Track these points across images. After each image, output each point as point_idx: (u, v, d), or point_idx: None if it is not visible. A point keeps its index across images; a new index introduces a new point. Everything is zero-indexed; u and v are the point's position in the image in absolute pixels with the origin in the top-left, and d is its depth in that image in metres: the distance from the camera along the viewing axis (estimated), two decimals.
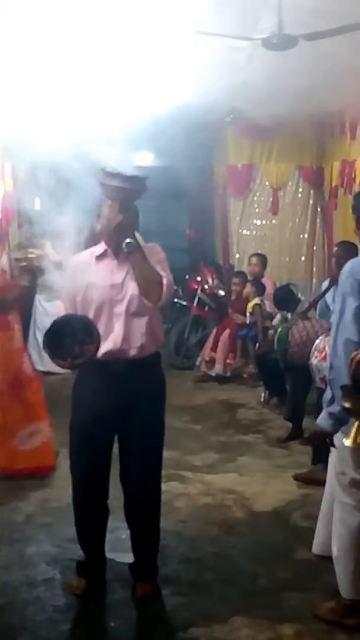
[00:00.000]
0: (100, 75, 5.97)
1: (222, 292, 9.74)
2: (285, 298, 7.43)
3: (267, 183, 10.01)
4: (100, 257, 3.77)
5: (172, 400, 7.77)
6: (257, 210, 10.11)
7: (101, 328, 3.66)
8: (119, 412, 3.73)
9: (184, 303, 10.01)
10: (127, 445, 3.82)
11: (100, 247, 3.79)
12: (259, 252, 9.29)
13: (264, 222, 10.13)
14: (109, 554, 4.05)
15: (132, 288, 3.66)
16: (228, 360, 8.90)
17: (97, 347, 3.59)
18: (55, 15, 5.15)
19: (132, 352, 3.70)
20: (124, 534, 4.18)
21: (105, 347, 3.67)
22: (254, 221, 10.16)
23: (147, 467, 3.86)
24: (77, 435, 3.84)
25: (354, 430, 3.15)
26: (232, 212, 10.21)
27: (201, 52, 5.90)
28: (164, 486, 5.32)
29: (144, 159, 9.81)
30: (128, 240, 3.64)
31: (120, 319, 3.67)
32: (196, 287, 9.86)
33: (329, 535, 3.68)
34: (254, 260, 9.09)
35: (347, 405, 3.11)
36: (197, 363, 9.22)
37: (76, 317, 3.71)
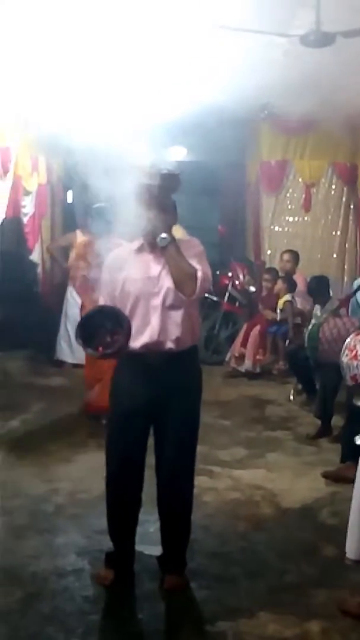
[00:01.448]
0: (137, 71, 6.00)
1: (253, 288, 9.73)
2: (320, 287, 7.43)
3: (300, 180, 9.97)
4: (137, 251, 3.81)
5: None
6: (289, 206, 10.08)
7: (138, 321, 3.70)
8: (154, 405, 3.77)
9: (215, 298, 10.01)
10: (162, 437, 3.86)
11: (138, 242, 3.82)
12: (291, 248, 9.27)
13: (296, 218, 10.10)
14: (137, 547, 4.08)
15: (168, 281, 3.68)
16: (258, 357, 8.90)
17: (128, 336, 3.62)
18: (94, 10, 5.17)
19: (169, 344, 3.72)
20: (152, 526, 4.22)
21: (142, 339, 3.71)
22: (286, 218, 10.14)
23: (180, 461, 3.88)
24: (113, 426, 3.89)
25: None
26: (264, 208, 10.19)
27: (238, 49, 5.91)
28: None
29: (178, 154, 9.82)
30: (163, 235, 3.66)
31: (157, 311, 3.70)
32: (227, 282, 9.86)
33: None
34: (285, 256, 9.07)
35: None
36: (227, 359, 9.22)
37: (106, 307, 3.75)
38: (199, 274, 3.63)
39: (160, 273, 3.71)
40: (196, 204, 11.01)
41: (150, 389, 3.74)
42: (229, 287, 9.81)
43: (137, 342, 3.71)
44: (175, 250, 3.67)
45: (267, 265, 9.84)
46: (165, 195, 3.76)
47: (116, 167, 3.77)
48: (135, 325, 3.71)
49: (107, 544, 4.07)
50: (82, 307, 7.45)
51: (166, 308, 3.70)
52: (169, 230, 3.72)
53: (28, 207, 8.53)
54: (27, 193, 8.41)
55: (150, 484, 3.97)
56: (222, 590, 3.94)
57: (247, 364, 8.86)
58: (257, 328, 8.96)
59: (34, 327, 8.57)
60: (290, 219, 10.13)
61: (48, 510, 4.94)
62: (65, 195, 10.24)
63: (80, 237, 8.07)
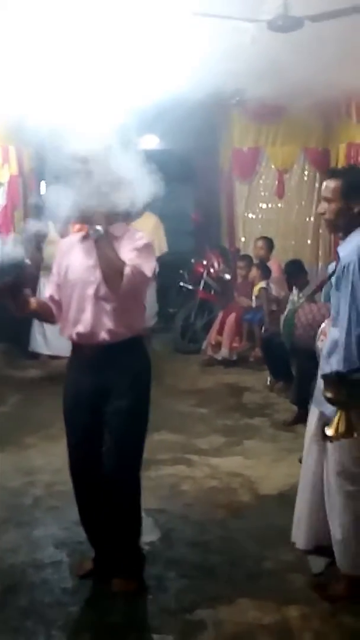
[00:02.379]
0: (104, 58, 5.94)
1: (228, 276, 9.73)
2: (297, 271, 7.45)
3: (272, 166, 9.97)
4: (82, 239, 3.77)
5: (178, 384, 7.93)
6: (262, 193, 10.08)
7: (74, 310, 3.67)
8: (95, 395, 3.70)
9: (190, 287, 10.01)
10: (104, 430, 3.76)
11: (84, 230, 3.78)
12: (265, 235, 9.28)
13: (269, 205, 10.10)
14: None
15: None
16: (234, 344, 8.92)
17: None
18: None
19: (102, 335, 3.64)
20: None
21: (77, 329, 3.68)
22: (260, 204, 10.13)
23: (118, 457, 3.72)
24: (64, 415, 3.87)
25: (336, 419, 3.15)
26: (237, 195, 10.18)
27: (206, 34, 5.88)
28: (170, 469, 5.41)
29: (149, 142, 9.79)
30: (97, 227, 3.57)
31: (91, 301, 3.63)
32: (202, 270, 9.86)
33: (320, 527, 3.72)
34: (259, 243, 9.08)
35: (329, 395, 3.11)
36: (203, 347, 9.22)
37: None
38: (127, 269, 3.51)
39: (97, 263, 3.62)
40: (169, 192, 10.98)
41: (89, 380, 3.71)
42: (204, 275, 9.81)
43: (73, 331, 3.70)
44: (105, 244, 3.57)
45: (242, 253, 9.84)
46: (90, 180, 3.60)
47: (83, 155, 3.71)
48: (72, 314, 3.69)
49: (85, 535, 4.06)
50: None
51: (100, 298, 3.61)
52: (101, 219, 3.61)
53: (0, 198, 8.47)
54: None
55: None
56: (201, 579, 3.94)
57: (224, 352, 8.87)
58: (233, 316, 8.97)
59: (7, 319, 8.52)
60: (264, 205, 10.13)
61: (26, 502, 4.92)
62: (39, 186, 10.17)
63: (51, 227, 8.03)
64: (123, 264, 3.52)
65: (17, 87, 5.67)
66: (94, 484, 3.81)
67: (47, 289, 3.96)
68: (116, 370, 3.68)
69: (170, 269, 10.44)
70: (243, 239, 10.17)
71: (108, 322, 3.63)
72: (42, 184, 10.33)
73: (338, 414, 3.19)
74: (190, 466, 5.55)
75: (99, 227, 3.57)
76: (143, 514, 3.95)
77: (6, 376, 8.15)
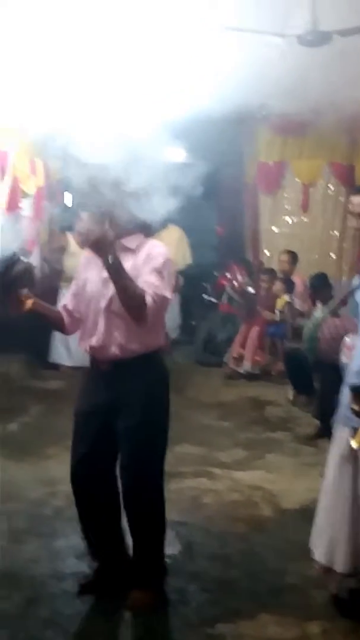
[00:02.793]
0: (132, 72, 5.98)
1: (251, 289, 9.71)
2: (322, 285, 7.42)
3: (297, 180, 9.95)
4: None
5: (200, 397, 7.92)
6: (287, 207, 10.07)
7: (89, 322, 3.67)
8: (107, 410, 3.67)
9: (213, 300, 10.01)
10: (120, 447, 3.74)
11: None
12: (289, 249, 9.26)
13: (294, 219, 10.09)
14: None
15: None
16: (256, 358, 8.90)
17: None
18: (90, 14, 5.17)
19: (113, 350, 3.60)
20: None
21: (90, 342, 3.66)
22: (284, 218, 10.12)
23: (134, 473, 3.71)
24: (74, 427, 3.85)
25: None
26: (262, 208, 10.18)
27: (234, 49, 5.89)
28: (192, 482, 5.40)
29: (175, 155, 9.80)
30: (109, 257, 3.38)
31: (104, 315, 3.60)
32: (225, 283, 9.85)
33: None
34: (283, 257, 9.07)
35: (356, 407, 3.08)
36: (226, 360, 9.21)
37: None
38: (148, 299, 3.41)
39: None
40: (194, 205, 11.01)
41: (101, 394, 3.69)
42: (228, 288, 9.80)
43: (87, 343, 3.68)
44: (117, 274, 3.40)
45: (266, 266, 9.83)
46: (104, 191, 3.55)
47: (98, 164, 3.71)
48: (87, 326, 3.69)
49: None
50: None
51: (112, 313, 3.56)
52: (114, 230, 3.54)
53: (26, 209, 8.52)
54: (26, 196, 8.39)
55: None
56: (222, 593, 3.93)
57: (246, 365, 8.86)
58: (256, 329, 8.96)
59: (30, 330, 8.55)
60: (288, 219, 10.12)
61: (47, 513, 4.92)
62: (64, 197, 10.22)
63: (71, 239, 8.11)
64: (143, 293, 3.42)
65: (45, 102, 5.73)
66: (97, 495, 3.80)
67: (63, 298, 3.95)
68: (128, 386, 3.63)
69: (194, 281, 10.46)
70: (267, 253, 10.16)
71: (119, 337, 3.59)
72: (67, 195, 10.39)
73: None
74: (212, 479, 5.53)
75: (110, 258, 3.37)
76: None
77: (28, 387, 8.18)
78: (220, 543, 4.51)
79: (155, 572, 3.90)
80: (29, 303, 3.62)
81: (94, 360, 3.75)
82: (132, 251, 3.61)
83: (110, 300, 3.56)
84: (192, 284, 10.54)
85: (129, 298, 3.43)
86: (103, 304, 3.60)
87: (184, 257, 10.33)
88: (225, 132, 8.50)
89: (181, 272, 10.36)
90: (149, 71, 6.05)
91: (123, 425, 3.65)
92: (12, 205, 7.96)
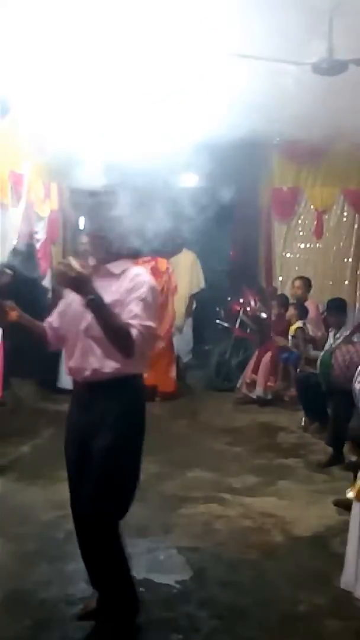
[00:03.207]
0: (148, 98, 6.04)
1: (264, 315, 9.72)
2: (339, 309, 7.37)
3: (312, 206, 9.99)
4: (92, 272, 3.69)
5: (211, 422, 7.91)
6: (301, 233, 10.10)
7: (69, 343, 3.67)
8: (81, 432, 3.64)
9: (226, 325, 10.01)
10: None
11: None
12: (303, 275, 9.27)
13: (308, 245, 10.11)
14: (148, 574, 4.03)
15: None
16: (269, 383, 8.88)
17: None
18: (108, 35, 5.23)
19: (87, 372, 3.57)
20: (162, 554, 4.18)
21: (69, 362, 3.67)
22: (298, 244, 10.15)
23: (91, 498, 3.53)
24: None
25: (359, 482, 2.91)
26: (276, 234, 10.21)
27: (250, 76, 5.94)
28: (203, 508, 5.38)
29: (189, 180, 9.85)
30: (89, 296, 3.32)
31: (81, 337, 3.57)
32: (238, 308, 9.87)
33: None
34: (297, 283, 9.07)
35: (353, 459, 2.90)
36: (238, 385, 9.20)
37: None
38: (134, 332, 3.36)
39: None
40: (208, 230, 11.03)
41: (78, 416, 3.69)
42: (241, 314, 9.81)
43: (67, 364, 3.70)
44: (98, 312, 3.35)
45: (279, 292, 9.84)
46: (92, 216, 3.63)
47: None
48: (68, 347, 3.69)
49: None
50: None
51: (90, 337, 3.52)
52: (103, 252, 3.63)
53: (40, 232, 8.57)
54: (40, 219, 8.44)
55: (154, 512, 3.93)
56: (233, 620, 3.89)
57: (259, 391, 8.84)
58: (269, 354, 8.95)
59: (43, 354, 8.56)
60: (302, 245, 10.15)
61: (58, 536, 4.89)
62: (77, 220, 10.28)
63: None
64: (127, 327, 3.37)
65: (62, 125, 5.79)
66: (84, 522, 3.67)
67: (51, 315, 3.92)
68: (100, 409, 3.57)
69: (207, 306, 10.47)
70: (280, 278, 10.17)
71: (94, 361, 3.55)
72: (81, 219, 10.45)
73: None
74: (223, 505, 5.51)
75: (91, 297, 3.32)
76: (174, 551, 3.92)
77: (41, 409, 8.19)
78: (231, 569, 4.48)
79: (116, 605, 3.71)
80: (13, 315, 3.68)
81: (74, 381, 3.75)
82: (116, 276, 3.60)
83: (90, 325, 3.51)
84: (205, 309, 10.56)
85: (113, 333, 3.39)
86: (83, 326, 3.56)
87: (197, 282, 10.36)
88: (239, 158, 8.54)
89: (194, 296, 10.40)
90: (164, 97, 6.10)
91: (94, 447, 3.57)
92: (27, 229, 8.02)
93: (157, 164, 5.17)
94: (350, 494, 3.09)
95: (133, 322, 3.39)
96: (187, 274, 10.27)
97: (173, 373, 9.31)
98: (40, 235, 8.58)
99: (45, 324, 3.87)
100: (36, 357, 8.47)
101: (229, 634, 3.75)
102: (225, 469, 6.30)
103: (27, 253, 8.57)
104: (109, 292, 3.47)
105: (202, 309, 10.46)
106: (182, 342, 10.50)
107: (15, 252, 7.64)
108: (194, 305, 10.47)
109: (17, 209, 7.46)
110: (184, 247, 10.11)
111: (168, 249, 10.04)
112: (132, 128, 5.64)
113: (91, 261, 3.67)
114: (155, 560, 4.25)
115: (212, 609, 3.99)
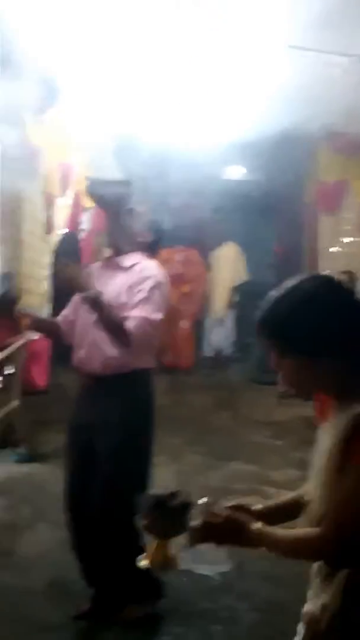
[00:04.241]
0: (196, 90, 6.04)
1: None
2: None
3: (358, 200, 9.88)
4: (102, 264, 3.81)
5: (253, 415, 7.89)
6: (346, 227, 9.99)
7: (79, 334, 3.67)
8: (86, 428, 3.62)
9: None
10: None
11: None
12: (348, 269, 9.18)
13: (353, 239, 10.00)
14: (187, 565, 4.02)
15: (107, 300, 3.52)
16: None
17: None
18: (159, 33, 5.24)
19: (94, 365, 3.58)
20: (204, 546, 4.17)
21: (78, 353, 3.66)
22: (343, 238, 10.05)
23: (101, 496, 3.56)
24: (65, 440, 3.84)
25: (152, 550, 2.36)
26: (321, 228, 10.11)
27: (298, 68, 5.90)
28: (244, 500, 5.34)
29: (235, 173, 9.84)
30: (90, 292, 3.45)
31: (91, 329, 3.57)
32: None
33: None
34: (342, 277, 8.98)
35: (144, 523, 2.19)
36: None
37: None
38: (130, 324, 3.44)
39: (104, 290, 3.53)
40: (253, 224, 11.01)
41: (83, 411, 3.68)
42: None
43: (76, 355, 3.68)
44: (94, 307, 3.46)
45: None
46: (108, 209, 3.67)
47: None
48: (77, 337, 3.68)
49: None
50: None
51: (98, 328, 3.52)
52: (118, 244, 3.70)
53: (85, 223, 8.61)
54: (86, 210, 8.48)
55: None
56: (273, 613, 3.89)
57: None
58: None
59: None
60: (347, 239, 10.04)
61: None
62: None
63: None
64: (121, 321, 3.43)
65: (106, 121, 5.82)
66: (84, 519, 3.67)
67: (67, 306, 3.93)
68: (107, 404, 3.57)
69: (250, 298, 10.42)
70: (325, 272, 10.08)
71: (103, 353, 3.55)
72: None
73: (155, 545, 2.36)
74: (265, 497, 5.47)
75: (86, 294, 3.44)
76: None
77: None
78: (271, 563, 4.46)
79: (126, 592, 3.72)
80: (25, 322, 3.74)
81: (80, 375, 3.73)
82: (124, 269, 3.62)
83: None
84: (248, 301, 10.53)
85: (106, 324, 3.46)
86: (92, 318, 3.55)
87: (239, 274, 10.34)
88: (285, 151, 8.49)
89: (236, 289, 10.38)
90: (215, 91, 6.10)
91: (99, 443, 3.58)
92: (74, 220, 8.07)
93: (203, 156, 5.16)
94: (143, 563, 2.36)
95: (132, 314, 3.45)
96: (229, 266, 10.26)
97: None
98: (85, 226, 8.63)
99: (60, 317, 3.90)
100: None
101: (268, 627, 3.75)
102: (266, 462, 6.29)
103: (71, 243, 8.65)
104: (113, 284, 3.57)
105: (244, 302, 10.44)
106: (223, 335, 10.51)
107: (61, 242, 7.71)
108: (237, 298, 10.47)
109: (64, 199, 7.52)
110: (228, 240, 10.10)
111: (210, 240, 10.06)
112: (180, 120, 5.66)
113: (107, 253, 3.71)
114: (197, 551, 4.24)
115: (252, 602, 3.99)
